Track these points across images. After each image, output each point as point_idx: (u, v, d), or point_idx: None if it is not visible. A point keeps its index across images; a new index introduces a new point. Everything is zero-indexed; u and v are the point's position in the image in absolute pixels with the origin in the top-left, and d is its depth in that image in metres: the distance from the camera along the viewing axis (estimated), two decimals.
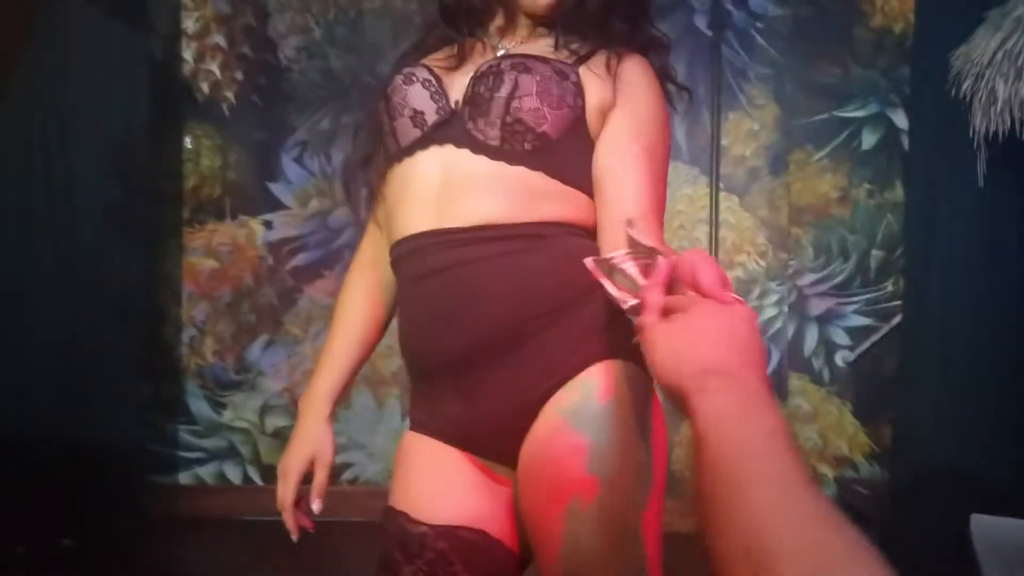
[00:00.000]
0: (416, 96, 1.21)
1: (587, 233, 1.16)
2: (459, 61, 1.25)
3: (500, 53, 1.25)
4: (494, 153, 1.14)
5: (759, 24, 3.76)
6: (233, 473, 3.91)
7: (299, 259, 3.92)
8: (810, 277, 3.77)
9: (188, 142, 4.00)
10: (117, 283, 3.62)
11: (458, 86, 1.22)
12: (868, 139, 3.74)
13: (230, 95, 3.99)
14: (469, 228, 1.13)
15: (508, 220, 1.13)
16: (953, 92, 2.81)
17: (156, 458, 3.84)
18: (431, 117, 1.20)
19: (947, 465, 2.85)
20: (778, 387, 3.74)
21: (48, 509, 3.28)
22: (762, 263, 3.79)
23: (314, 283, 3.91)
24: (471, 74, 1.20)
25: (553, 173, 1.16)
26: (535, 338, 1.12)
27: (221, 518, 3.81)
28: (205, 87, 3.99)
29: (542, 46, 1.24)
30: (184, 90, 3.99)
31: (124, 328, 3.64)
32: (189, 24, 3.99)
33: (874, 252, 3.75)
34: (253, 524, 3.81)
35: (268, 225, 3.94)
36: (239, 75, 3.99)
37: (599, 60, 1.20)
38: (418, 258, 1.17)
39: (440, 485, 1.22)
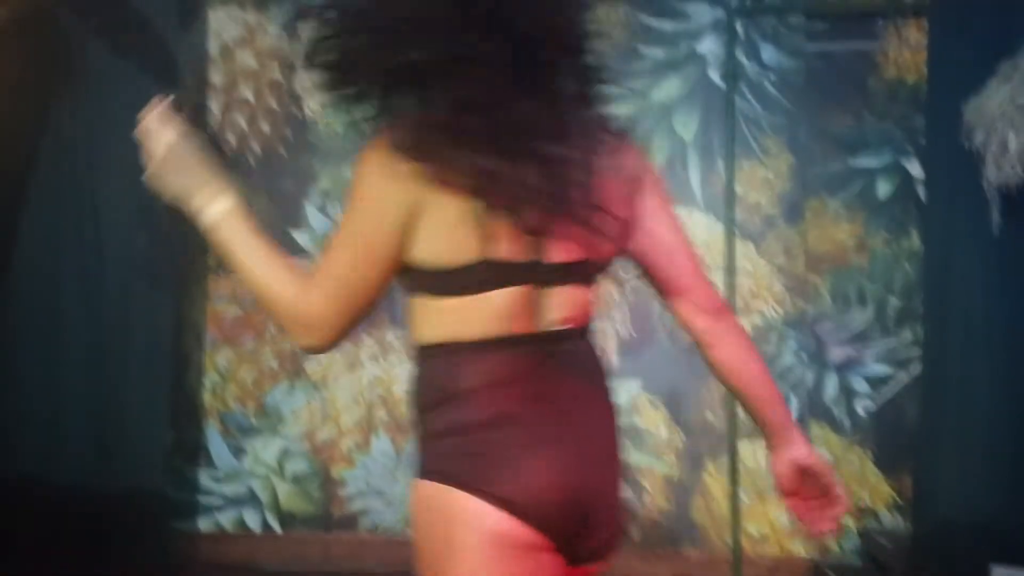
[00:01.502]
0: None
1: None
2: None
3: None
4: None
5: (772, 76, 3.82)
6: (252, 520, 3.93)
7: None
8: (828, 325, 3.77)
9: None
10: (143, 330, 3.69)
11: None
12: (884, 188, 3.76)
13: (256, 146, 4.09)
14: None
15: None
16: (966, 143, 2.83)
17: (177, 504, 3.87)
18: None
19: (969, 516, 2.83)
20: None
21: (71, 554, 3.31)
22: (780, 310, 3.80)
23: None
24: None
25: None
26: None
27: (240, 566, 3.81)
28: (232, 138, 4.09)
29: None
30: (211, 141, 4.09)
31: (149, 374, 3.70)
32: (216, 77, 4.11)
33: (892, 300, 3.75)
34: (272, 574, 3.82)
35: None
36: (265, 127, 4.09)
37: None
38: None
39: None
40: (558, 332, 1.29)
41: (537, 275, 1.24)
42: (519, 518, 1.23)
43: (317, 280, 1.26)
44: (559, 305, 1.28)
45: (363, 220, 1.24)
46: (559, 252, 1.25)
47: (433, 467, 1.27)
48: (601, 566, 1.35)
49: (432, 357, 1.28)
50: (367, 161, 1.25)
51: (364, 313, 1.28)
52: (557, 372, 1.29)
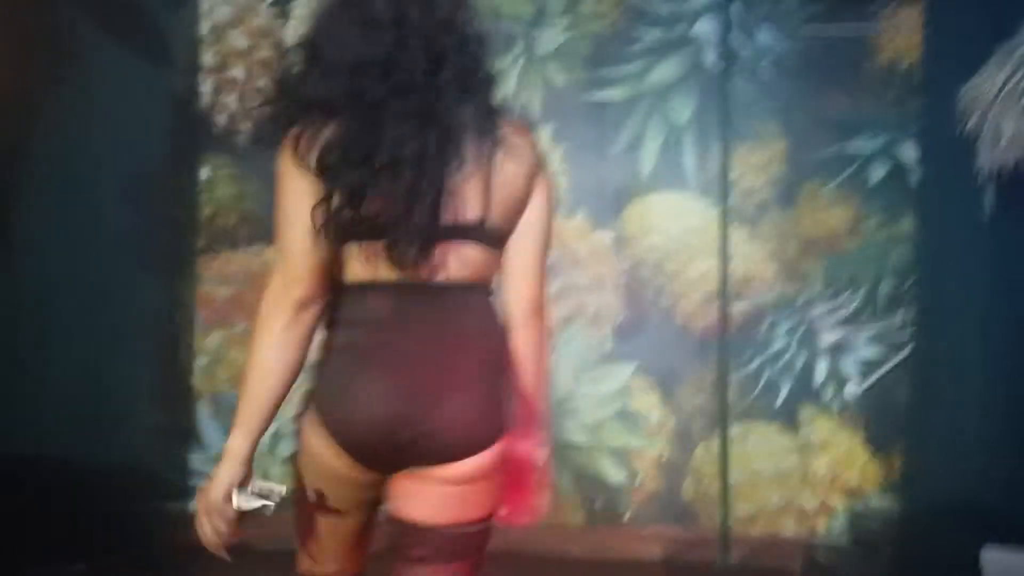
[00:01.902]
0: None
1: None
2: None
3: None
4: None
5: (767, 59, 3.82)
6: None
7: None
8: (820, 308, 3.79)
9: (205, 172, 4.07)
10: (133, 311, 3.67)
11: None
12: (877, 172, 3.77)
13: (247, 127, 4.05)
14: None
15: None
16: (961, 128, 2.84)
17: (168, 485, 3.86)
18: None
19: (959, 496, 2.86)
20: (789, 418, 3.75)
21: (61, 534, 3.30)
22: (772, 294, 3.81)
23: None
24: None
25: None
26: None
27: (231, 546, 3.80)
28: (222, 119, 4.06)
29: None
30: (202, 122, 4.06)
31: (139, 355, 3.68)
32: (208, 58, 4.07)
33: (884, 283, 3.77)
34: (263, 552, 3.81)
35: None
36: (256, 107, 4.05)
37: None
38: None
39: None
40: (439, 284, 1.46)
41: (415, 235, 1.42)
42: (336, 440, 1.50)
43: (275, 269, 1.50)
44: (442, 261, 1.45)
45: (287, 206, 1.47)
46: (445, 214, 1.43)
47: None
48: (455, 470, 1.49)
49: (337, 294, 1.49)
50: (283, 160, 1.49)
51: (325, 269, 1.46)
52: (420, 315, 1.46)
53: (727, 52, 3.75)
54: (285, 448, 3.93)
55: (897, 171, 3.74)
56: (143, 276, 3.71)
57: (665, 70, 3.88)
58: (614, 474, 3.81)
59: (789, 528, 3.72)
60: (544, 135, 3.89)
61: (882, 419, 3.69)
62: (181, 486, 3.91)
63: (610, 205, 3.89)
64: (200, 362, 4.00)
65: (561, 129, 3.91)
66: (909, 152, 3.69)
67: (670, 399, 3.82)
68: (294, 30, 4.05)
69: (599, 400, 3.82)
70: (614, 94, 3.91)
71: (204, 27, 4.05)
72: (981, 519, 2.76)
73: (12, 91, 3.41)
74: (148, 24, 3.79)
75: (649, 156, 3.88)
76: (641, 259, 3.87)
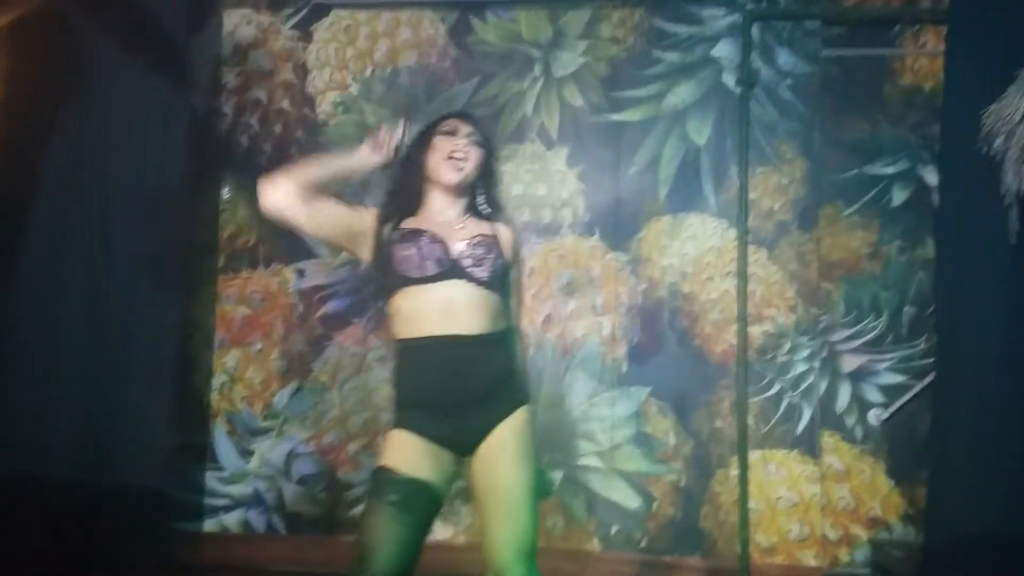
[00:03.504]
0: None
1: None
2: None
3: (458, 227, 2.06)
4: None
5: (787, 81, 3.80)
6: (258, 521, 3.91)
7: (329, 307, 3.97)
8: (842, 333, 3.73)
9: (225, 192, 4.10)
10: (150, 330, 3.69)
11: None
12: (898, 195, 3.73)
13: (268, 147, 4.09)
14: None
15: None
16: (984, 150, 2.80)
17: (182, 504, 3.85)
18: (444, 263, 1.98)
19: (982, 527, 2.78)
20: (810, 445, 3.68)
21: (76, 554, 3.30)
22: (792, 317, 3.76)
23: (343, 331, 3.94)
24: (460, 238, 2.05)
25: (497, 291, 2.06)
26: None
27: (244, 567, 3.80)
28: (244, 140, 4.10)
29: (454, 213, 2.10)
30: (223, 142, 4.10)
31: (155, 374, 3.70)
32: (230, 79, 4.12)
33: (906, 309, 3.70)
34: (276, 575, 3.80)
35: (300, 273, 4.00)
36: (277, 128, 4.09)
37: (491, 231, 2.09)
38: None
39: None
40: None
41: None
42: None
43: None
44: None
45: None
46: None
47: None
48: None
49: None
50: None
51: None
52: None
53: (747, 74, 3.73)
54: (300, 468, 3.95)
55: (919, 194, 3.69)
56: (161, 295, 3.73)
57: (683, 92, 3.87)
58: (629, 500, 3.75)
59: (810, 558, 3.63)
60: (561, 156, 3.89)
61: (905, 447, 3.62)
62: (194, 505, 3.91)
63: (626, 226, 3.86)
64: (217, 381, 4.00)
65: (577, 150, 3.91)
66: (931, 175, 3.65)
67: (686, 424, 3.76)
68: (315, 53, 4.10)
69: (613, 423, 3.77)
70: (632, 115, 3.90)
71: (226, 48, 4.11)
72: (1005, 550, 2.68)
73: (33, 112, 3.47)
74: (170, 45, 3.84)
75: (666, 177, 3.86)
76: (657, 280, 3.84)
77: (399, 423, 1.99)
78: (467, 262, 1.97)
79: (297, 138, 4.08)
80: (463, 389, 1.93)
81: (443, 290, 1.95)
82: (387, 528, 1.85)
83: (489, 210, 2.11)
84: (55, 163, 3.55)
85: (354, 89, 4.08)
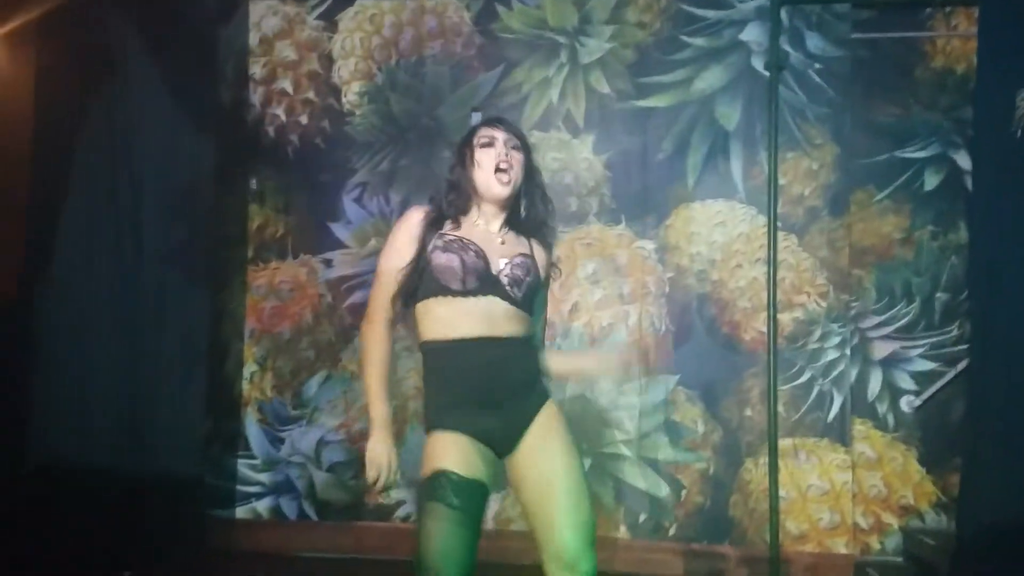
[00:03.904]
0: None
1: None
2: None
3: (500, 242, 2.08)
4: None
5: (817, 65, 3.75)
6: (289, 508, 3.95)
7: (357, 297, 3.99)
8: (873, 319, 3.69)
9: (253, 183, 4.13)
10: (182, 320, 3.73)
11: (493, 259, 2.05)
12: (931, 180, 3.67)
13: (294, 138, 4.11)
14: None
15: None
16: (1018, 132, 2.75)
17: (215, 491, 3.91)
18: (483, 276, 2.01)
19: (1016, 515, 2.75)
20: (840, 433, 3.66)
21: (110, 542, 3.36)
22: (823, 304, 3.73)
23: None
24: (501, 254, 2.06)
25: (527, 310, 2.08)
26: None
27: (276, 553, 3.84)
28: (271, 131, 4.12)
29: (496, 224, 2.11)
30: (251, 133, 4.12)
31: (188, 364, 3.74)
32: (256, 70, 4.14)
33: (939, 295, 3.66)
34: (307, 560, 3.85)
35: (328, 264, 4.03)
36: (304, 119, 4.11)
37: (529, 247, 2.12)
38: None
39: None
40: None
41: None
42: None
43: None
44: None
45: None
46: None
47: None
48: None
49: None
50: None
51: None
52: None
53: (776, 58, 3.68)
54: (330, 456, 3.98)
55: (951, 178, 3.64)
56: (192, 286, 3.77)
57: (711, 77, 3.83)
58: (658, 488, 3.75)
59: (840, 546, 3.61)
60: (587, 144, 3.87)
61: (937, 434, 3.58)
62: (227, 492, 3.96)
63: (654, 213, 3.84)
64: (247, 370, 4.05)
65: (604, 137, 3.89)
66: (963, 159, 3.59)
67: (715, 412, 3.75)
68: (340, 43, 4.10)
69: (642, 412, 3.76)
70: (659, 101, 3.87)
71: (253, 39, 4.12)
72: None
73: (61, 104, 3.50)
74: (197, 36, 3.86)
75: (694, 163, 3.83)
76: (685, 268, 3.82)
77: (440, 424, 1.99)
78: (505, 280, 1.99)
79: (323, 128, 4.09)
80: (500, 386, 1.96)
81: (479, 304, 1.97)
82: (452, 532, 1.84)
83: (530, 223, 2.12)
84: (86, 156, 3.59)
85: (379, 78, 4.08)
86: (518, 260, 2.01)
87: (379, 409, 2.04)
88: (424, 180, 4.00)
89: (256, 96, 4.14)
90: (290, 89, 4.13)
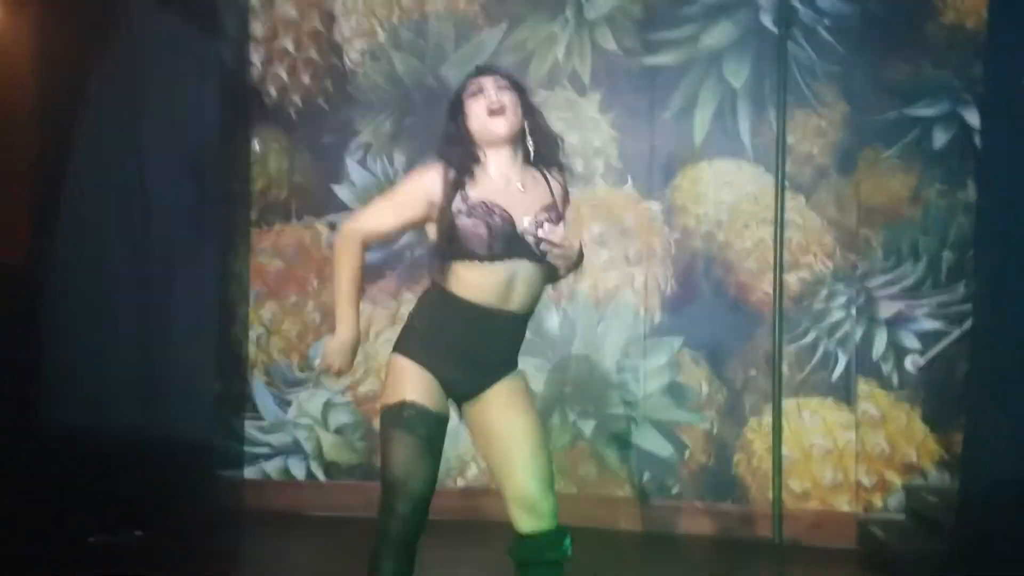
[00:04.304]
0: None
1: None
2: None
3: (521, 192, 2.07)
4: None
5: (826, 21, 3.68)
6: (297, 469, 3.99)
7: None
8: (879, 279, 3.68)
9: (256, 145, 4.10)
10: (189, 282, 3.73)
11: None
12: (939, 138, 3.63)
13: (296, 99, 4.07)
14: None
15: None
16: None
17: (224, 453, 3.94)
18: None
19: (1019, 473, 2.76)
20: (845, 392, 3.67)
21: (120, 502, 3.40)
22: (829, 264, 3.71)
23: (376, 283, 3.96)
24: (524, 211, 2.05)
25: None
26: None
27: (285, 513, 3.89)
28: (273, 90, 4.08)
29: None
30: (253, 94, 4.09)
31: (194, 326, 3.75)
32: (257, 28, 4.09)
33: (945, 253, 3.64)
34: (316, 520, 3.90)
35: (332, 226, 4.02)
36: (306, 79, 4.07)
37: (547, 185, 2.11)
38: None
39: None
40: None
41: None
42: None
43: None
44: None
45: None
46: None
47: None
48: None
49: None
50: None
51: None
52: None
53: (785, 14, 3.63)
54: (337, 418, 4.02)
55: (960, 136, 3.60)
56: (198, 248, 3.77)
57: (720, 33, 3.78)
58: (662, 448, 3.77)
59: (843, 504, 3.64)
60: (593, 103, 3.83)
61: (941, 393, 3.59)
62: (235, 454, 4.00)
63: (660, 174, 3.82)
64: (254, 333, 4.06)
65: (610, 96, 3.85)
66: (972, 116, 3.55)
67: (720, 373, 3.76)
68: (341, 1, 4.05)
69: (646, 373, 3.77)
70: (666, 59, 3.82)
71: None
72: None
73: (65, 65, 3.46)
74: None
75: (702, 122, 3.79)
76: (692, 230, 3.80)
77: (410, 352, 2.04)
78: (531, 239, 1.98)
79: (326, 88, 4.05)
80: (484, 354, 2.03)
81: (505, 268, 1.98)
82: (417, 462, 1.95)
83: (542, 153, 2.09)
84: (91, 117, 3.56)
85: (382, 36, 4.03)
86: (542, 216, 2.00)
87: (348, 312, 2.06)
88: (429, 141, 3.96)
89: (257, 55, 4.10)
90: (291, 48, 4.08)
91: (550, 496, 2.01)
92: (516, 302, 2.01)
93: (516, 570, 2.05)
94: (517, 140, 2.06)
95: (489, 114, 2.02)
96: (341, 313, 2.06)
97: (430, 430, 1.97)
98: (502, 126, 2.01)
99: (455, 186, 2.00)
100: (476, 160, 2.03)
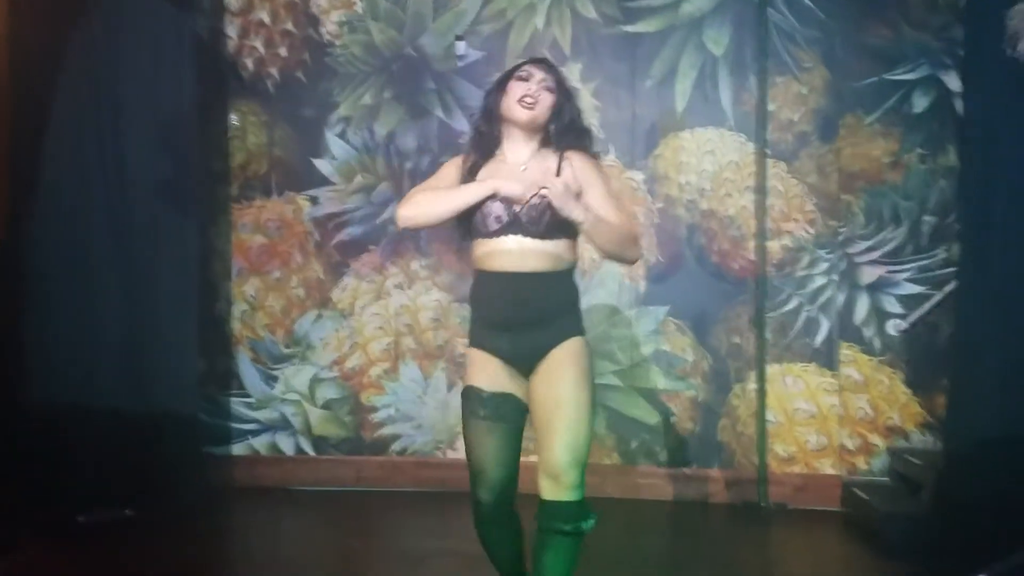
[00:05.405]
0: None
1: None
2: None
3: (522, 168, 2.20)
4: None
5: None
6: (286, 444, 4.00)
7: (344, 234, 3.96)
8: (861, 245, 3.71)
9: (234, 119, 4.05)
10: (170, 259, 3.70)
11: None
12: (920, 102, 3.64)
13: (274, 71, 4.02)
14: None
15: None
16: (1009, 52, 2.72)
17: (211, 430, 3.94)
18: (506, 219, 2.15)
19: (1002, 435, 2.80)
20: (828, 357, 3.70)
21: (110, 480, 3.40)
22: (811, 231, 3.73)
23: (360, 258, 3.94)
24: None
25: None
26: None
27: (274, 488, 3.90)
28: (250, 63, 4.03)
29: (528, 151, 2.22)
30: (229, 67, 4.03)
31: (178, 303, 3.72)
32: (232, 1, 4.02)
33: (926, 218, 3.67)
34: (306, 494, 3.91)
35: (314, 201, 3.99)
36: (283, 51, 4.02)
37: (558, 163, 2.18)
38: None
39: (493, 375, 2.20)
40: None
41: None
42: None
43: None
44: None
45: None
46: None
47: None
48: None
49: None
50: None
51: None
52: None
53: None
54: (324, 393, 4.01)
55: (941, 101, 3.61)
56: (179, 226, 3.72)
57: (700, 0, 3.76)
58: (648, 415, 3.80)
59: (828, 467, 3.69)
60: (574, 72, 3.80)
61: (923, 356, 3.63)
62: (223, 431, 3.99)
63: (642, 143, 3.81)
64: (237, 309, 4.04)
65: (591, 64, 3.82)
66: (953, 80, 3.56)
67: (704, 340, 3.78)
68: None
69: (632, 342, 3.79)
70: (647, 26, 3.80)
71: None
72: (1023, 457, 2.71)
73: (37, 42, 3.40)
74: None
75: (683, 90, 3.78)
76: (675, 198, 3.80)
77: (474, 343, 2.22)
78: (524, 219, 2.10)
79: (303, 61, 4.00)
80: (522, 313, 2.12)
81: (503, 243, 2.12)
82: (484, 441, 2.14)
83: (564, 139, 2.19)
84: (66, 95, 3.49)
85: (359, 7, 3.98)
86: (534, 201, 2.09)
87: (477, 186, 2.13)
88: (409, 113, 3.94)
89: (233, 28, 4.03)
90: (268, 20, 4.02)
91: (576, 470, 2.06)
92: (530, 264, 2.11)
93: (535, 535, 2.11)
94: (538, 130, 2.19)
95: (520, 100, 2.15)
96: (480, 188, 2.11)
97: (492, 410, 2.14)
98: (524, 115, 2.15)
99: (471, 171, 2.20)
100: (497, 139, 2.21)
